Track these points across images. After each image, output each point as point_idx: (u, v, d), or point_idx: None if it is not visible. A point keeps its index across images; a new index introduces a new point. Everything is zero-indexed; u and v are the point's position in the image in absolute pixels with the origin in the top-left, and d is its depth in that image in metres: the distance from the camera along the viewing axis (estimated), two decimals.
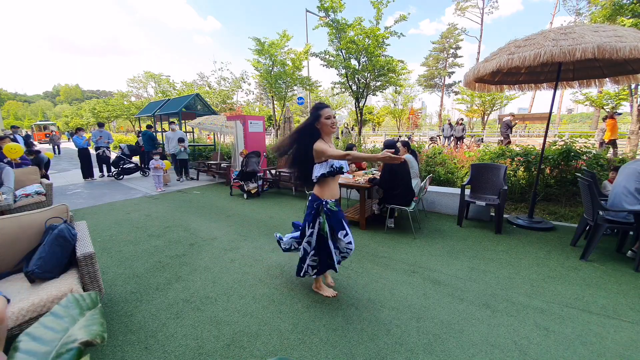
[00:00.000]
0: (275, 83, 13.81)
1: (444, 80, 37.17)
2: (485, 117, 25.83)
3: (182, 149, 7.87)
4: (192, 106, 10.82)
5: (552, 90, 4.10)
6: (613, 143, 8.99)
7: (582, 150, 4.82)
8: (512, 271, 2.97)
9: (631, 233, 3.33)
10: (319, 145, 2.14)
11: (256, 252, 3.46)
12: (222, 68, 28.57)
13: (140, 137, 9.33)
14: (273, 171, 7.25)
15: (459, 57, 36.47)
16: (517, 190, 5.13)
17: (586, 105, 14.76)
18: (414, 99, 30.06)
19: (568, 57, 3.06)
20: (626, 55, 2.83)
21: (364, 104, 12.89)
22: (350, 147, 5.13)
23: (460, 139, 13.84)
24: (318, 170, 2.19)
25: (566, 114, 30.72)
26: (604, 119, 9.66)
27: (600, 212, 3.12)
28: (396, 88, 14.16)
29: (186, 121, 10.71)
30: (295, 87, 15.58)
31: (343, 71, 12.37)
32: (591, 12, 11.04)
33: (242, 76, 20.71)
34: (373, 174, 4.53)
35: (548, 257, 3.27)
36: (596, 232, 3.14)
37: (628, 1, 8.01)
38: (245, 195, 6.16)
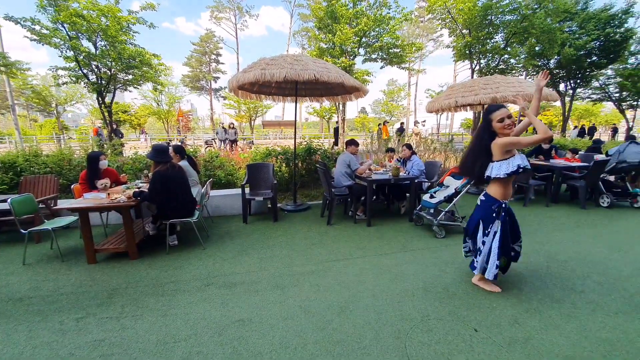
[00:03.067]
0: None
1: (211, 84, 37.93)
2: (252, 122, 29.36)
3: None
4: None
5: (294, 103, 5.29)
6: (386, 141, 12.65)
7: (317, 147, 6.65)
8: (290, 250, 3.56)
9: (349, 200, 5.05)
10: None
11: None
12: None
13: None
14: None
15: (222, 63, 38.52)
16: (283, 182, 6.24)
17: (314, 115, 20.82)
18: (181, 100, 28.33)
19: (300, 78, 4.03)
20: (330, 81, 4.16)
21: (112, 100, 10.29)
22: (96, 156, 3.81)
23: (234, 142, 14.77)
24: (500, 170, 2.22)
25: (305, 121, 42.09)
26: (379, 125, 14.63)
27: (333, 189, 4.45)
28: (156, 85, 12.50)
29: None
30: None
31: (70, 53, 9.12)
32: (309, 49, 15.92)
33: None
34: (138, 187, 3.69)
35: (310, 230, 4.24)
36: (332, 203, 4.46)
37: (327, 46, 12.62)
38: None
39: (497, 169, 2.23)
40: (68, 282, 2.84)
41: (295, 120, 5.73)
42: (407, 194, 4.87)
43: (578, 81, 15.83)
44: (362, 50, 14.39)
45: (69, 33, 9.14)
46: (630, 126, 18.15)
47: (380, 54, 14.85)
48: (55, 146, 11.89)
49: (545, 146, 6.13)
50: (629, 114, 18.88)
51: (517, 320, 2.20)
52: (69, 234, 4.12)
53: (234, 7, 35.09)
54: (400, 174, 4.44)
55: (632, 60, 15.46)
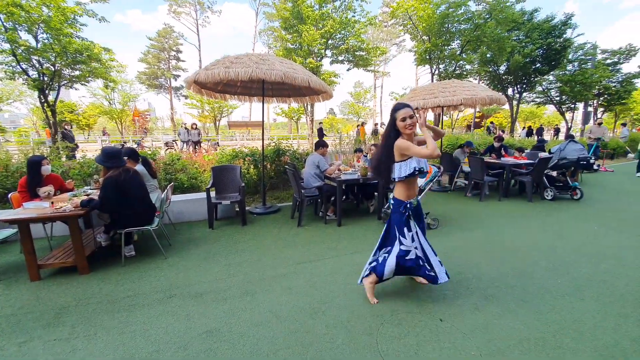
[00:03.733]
0: None
1: (170, 82, 35.82)
2: (217, 122, 28.27)
3: None
4: None
5: (261, 103, 5.17)
6: (357, 141, 12.61)
7: (286, 149, 6.58)
8: (260, 254, 3.46)
9: (319, 200, 5.05)
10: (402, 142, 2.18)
11: None
12: None
13: None
14: None
15: (182, 61, 36.47)
16: (251, 185, 6.07)
17: (282, 116, 20.58)
18: (136, 98, 26.33)
19: (267, 78, 3.95)
20: (297, 83, 4.12)
21: (56, 99, 9.35)
22: (38, 160, 3.39)
23: (197, 143, 14.11)
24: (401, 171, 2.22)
25: (273, 122, 41.53)
26: (357, 126, 15.46)
27: (302, 190, 4.42)
28: (106, 82, 11.49)
29: None
30: None
31: (6, 46, 8.13)
32: (275, 48, 15.70)
33: None
34: (87, 194, 3.35)
35: (280, 232, 4.17)
36: (302, 205, 4.43)
37: (294, 46, 12.61)
38: None
39: (397, 170, 2.23)
40: (7, 303, 2.50)
41: (263, 120, 5.61)
42: (376, 193, 4.99)
43: (524, 86, 17.44)
44: (328, 52, 14.56)
45: (4, 24, 8.11)
46: (569, 126, 20.44)
47: (346, 56, 15.14)
48: None
49: (497, 145, 6.65)
50: (568, 115, 21.22)
51: (477, 308, 2.35)
52: (7, 249, 3.63)
53: (194, 1, 33.56)
54: (369, 173, 4.54)
55: (570, 67, 17.44)
